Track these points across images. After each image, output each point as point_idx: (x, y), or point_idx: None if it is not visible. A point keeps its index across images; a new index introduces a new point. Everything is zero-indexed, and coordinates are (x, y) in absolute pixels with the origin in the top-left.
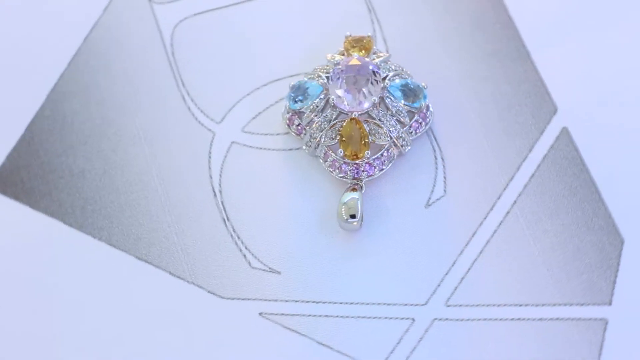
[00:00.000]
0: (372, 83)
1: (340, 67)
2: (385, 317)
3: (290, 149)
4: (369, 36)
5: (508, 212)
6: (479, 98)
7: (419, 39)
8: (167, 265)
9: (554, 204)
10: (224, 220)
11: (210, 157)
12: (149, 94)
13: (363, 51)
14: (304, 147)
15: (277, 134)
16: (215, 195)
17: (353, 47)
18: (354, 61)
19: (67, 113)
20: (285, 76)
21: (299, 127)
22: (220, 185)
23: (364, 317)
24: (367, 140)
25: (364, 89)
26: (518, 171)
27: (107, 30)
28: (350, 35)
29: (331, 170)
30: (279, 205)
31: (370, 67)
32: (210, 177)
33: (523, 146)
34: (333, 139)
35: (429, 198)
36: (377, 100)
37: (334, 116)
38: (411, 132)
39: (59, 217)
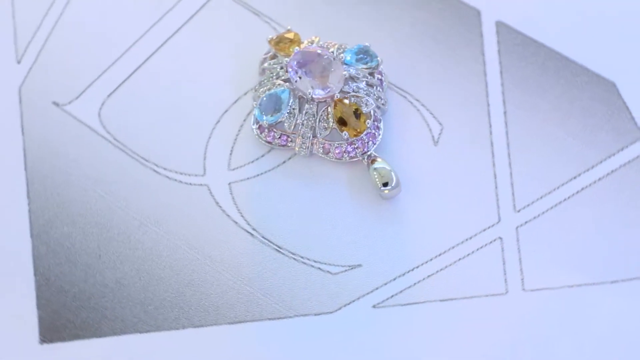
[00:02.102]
0: (333, 68)
1: (296, 62)
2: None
3: (284, 162)
4: (289, 30)
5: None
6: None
7: None
8: (262, 313)
9: None
10: (277, 250)
11: (219, 206)
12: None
13: (295, 45)
14: (299, 152)
15: (262, 156)
16: (252, 234)
17: (281, 45)
18: (308, 52)
19: (61, 239)
20: (231, 103)
21: (282, 138)
22: (250, 224)
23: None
24: (361, 112)
25: (330, 75)
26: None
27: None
28: (272, 37)
29: (339, 158)
30: (320, 217)
31: (324, 53)
32: (236, 222)
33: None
34: (327, 128)
35: (433, 136)
36: (346, 76)
37: (313, 109)
38: (381, 90)
39: (130, 330)
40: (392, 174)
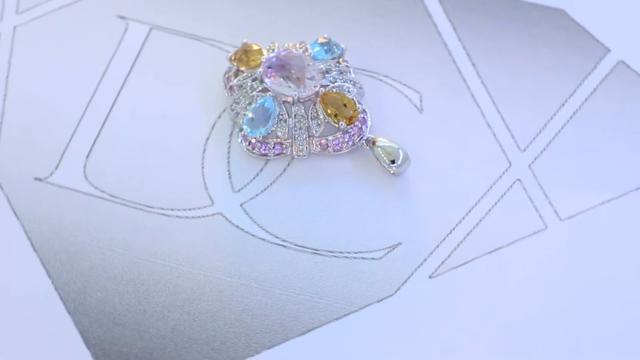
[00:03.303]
0: (308, 65)
1: (271, 69)
2: None
3: (285, 169)
4: (246, 42)
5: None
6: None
7: None
8: (327, 315)
9: None
10: (314, 253)
11: (241, 228)
12: None
13: (259, 55)
14: (298, 155)
15: (261, 170)
16: (284, 246)
17: (244, 59)
18: (280, 57)
19: (99, 306)
20: (210, 129)
21: (277, 148)
22: (278, 237)
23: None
24: (349, 99)
25: (307, 72)
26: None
27: None
28: (232, 54)
29: (338, 150)
30: (341, 211)
31: (295, 53)
32: (263, 239)
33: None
34: (320, 125)
35: (415, 105)
36: (322, 70)
37: (302, 109)
38: (352, 75)
39: None
40: (399, 150)
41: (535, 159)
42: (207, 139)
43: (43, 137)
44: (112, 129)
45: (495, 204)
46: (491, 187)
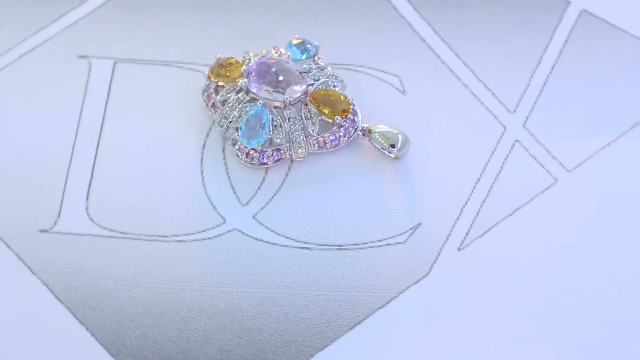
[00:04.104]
0: (290, 67)
1: (256, 77)
2: None
3: (287, 174)
4: (220, 57)
5: None
6: None
7: None
8: (369, 306)
9: None
10: (339, 249)
11: (260, 240)
12: None
13: (238, 66)
14: (298, 158)
15: (264, 179)
16: (308, 248)
17: (222, 73)
18: (261, 64)
19: (140, 343)
20: (201, 148)
21: (275, 155)
22: (299, 240)
23: None
24: (337, 93)
25: (292, 75)
26: None
27: None
28: (210, 70)
29: (336, 145)
30: (354, 202)
31: (276, 58)
32: (285, 245)
33: None
34: (315, 123)
35: (397, 89)
36: (306, 69)
37: (294, 112)
38: (331, 70)
39: None
40: (398, 134)
41: (527, 117)
42: (201, 159)
43: (37, 188)
44: (103, 167)
45: (502, 168)
46: (492, 154)
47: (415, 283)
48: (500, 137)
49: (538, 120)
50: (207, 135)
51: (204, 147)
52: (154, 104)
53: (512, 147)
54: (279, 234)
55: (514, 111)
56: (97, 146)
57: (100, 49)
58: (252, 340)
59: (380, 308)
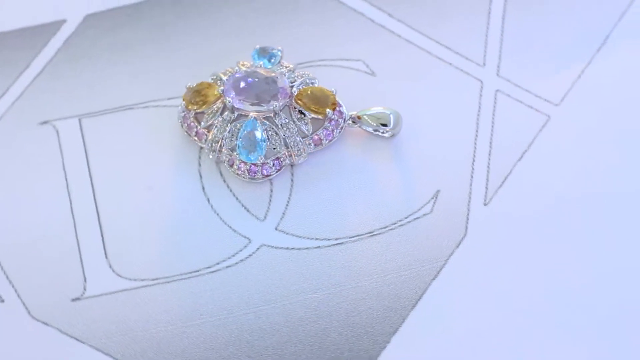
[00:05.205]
0: (267, 77)
1: (238, 94)
2: None
3: (292, 179)
4: (190, 86)
5: None
6: None
7: None
8: (424, 280)
9: None
10: (371, 235)
11: (292, 248)
12: None
13: (214, 89)
14: (299, 160)
15: (271, 191)
16: (341, 243)
17: (199, 100)
18: (238, 79)
19: None
20: (198, 179)
21: (276, 164)
22: (330, 238)
23: None
24: (319, 88)
25: (273, 88)
26: None
27: None
28: (186, 100)
29: (331, 138)
30: (367, 189)
31: (251, 69)
32: (318, 246)
33: None
34: (307, 123)
35: (365, 72)
36: (284, 73)
37: (286, 117)
38: (299, 70)
39: None
40: (389, 114)
41: (499, 66)
42: (202, 188)
43: (53, 261)
44: (110, 221)
45: (493, 119)
46: (480, 109)
47: (458, 247)
48: (481, 91)
49: (510, 66)
50: (199, 165)
51: (200, 176)
52: (135, 148)
53: (495, 98)
54: (307, 238)
55: (484, 64)
56: (95, 203)
57: (59, 109)
58: (322, 345)
59: (433, 279)
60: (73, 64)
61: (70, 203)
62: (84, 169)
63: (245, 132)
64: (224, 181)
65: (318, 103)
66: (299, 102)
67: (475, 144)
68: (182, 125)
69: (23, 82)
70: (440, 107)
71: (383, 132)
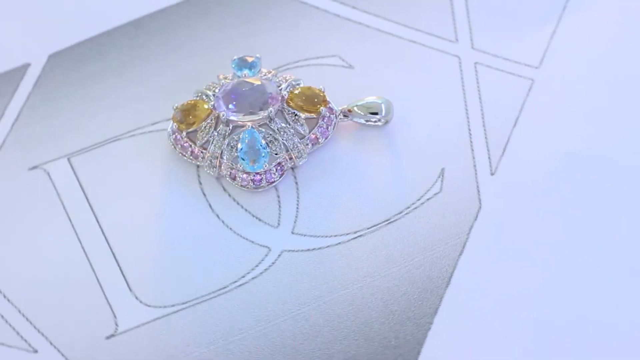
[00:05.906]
0: (256, 84)
1: (230, 105)
2: None
3: (296, 182)
4: (177, 107)
5: None
6: None
7: None
8: (453, 255)
9: None
10: (388, 222)
11: (312, 249)
12: None
13: (204, 104)
14: (300, 162)
15: (278, 197)
16: (361, 235)
17: (190, 119)
18: (229, 91)
19: None
20: (202, 196)
21: (279, 170)
22: (349, 233)
23: None
24: (308, 87)
25: (263, 95)
26: None
27: None
28: (178, 123)
29: (327, 135)
30: (375, 180)
31: (239, 81)
32: (339, 242)
33: None
34: (303, 124)
35: (342, 66)
36: (270, 79)
37: (281, 121)
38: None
39: None
40: (381, 103)
41: (472, 39)
42: (209, 205)
43: (77, 304)
44: (125, 255)
45: (479, 91)
46: (464, 83)
47: (476, 219)
48: (460, 67)
49: (482, 37)
50: (200, 183)
51: (204, 194)
52: (130, 178)
53: (476, 70)
54: (325, 236)
55: (457, 40)
56: (106, 239)
57: (45, 152)
58: (368, 337)
59: (460, 255)
60: (48, 105)
61: (81, 243)
62: (85, 207)
63: (246, 142)
64: (229, 195)
65: (310, 102)
66: (291, 104)
67: (468, 118)
68: (175, 147)
69: (2, 130)
70: (424, 88)
71: (376, 121)
